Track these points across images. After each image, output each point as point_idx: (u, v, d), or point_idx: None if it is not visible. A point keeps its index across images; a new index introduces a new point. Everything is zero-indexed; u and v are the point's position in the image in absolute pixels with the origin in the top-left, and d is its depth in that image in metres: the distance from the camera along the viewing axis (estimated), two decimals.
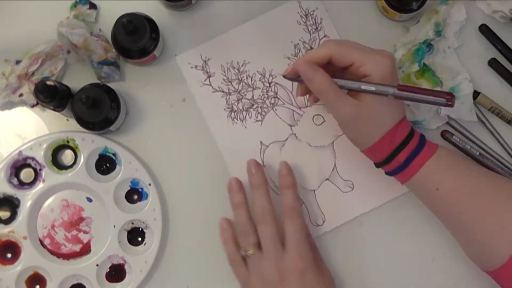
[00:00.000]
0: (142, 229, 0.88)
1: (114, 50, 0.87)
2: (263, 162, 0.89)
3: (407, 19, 0.90)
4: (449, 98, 0.72)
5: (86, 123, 0.84)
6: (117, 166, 0.88)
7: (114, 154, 0.88)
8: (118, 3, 0.89)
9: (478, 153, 0.88)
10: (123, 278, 0.86)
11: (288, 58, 0.90)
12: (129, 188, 0.88)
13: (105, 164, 0.88)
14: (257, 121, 0.89)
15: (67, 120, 0.89)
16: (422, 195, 0.82)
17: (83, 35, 0.85)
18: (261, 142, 0.89)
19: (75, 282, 0.86)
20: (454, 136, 0.88)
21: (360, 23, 0.91)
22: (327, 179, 0.89)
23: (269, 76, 0.90)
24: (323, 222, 0.88)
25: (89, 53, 0.87)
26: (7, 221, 0.86)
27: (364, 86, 0.75)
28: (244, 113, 0.89)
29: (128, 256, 0.86)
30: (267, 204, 0.83)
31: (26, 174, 0.87)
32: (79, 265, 0.86)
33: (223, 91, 0.90)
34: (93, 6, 0.90)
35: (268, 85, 0.90)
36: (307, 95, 0.86)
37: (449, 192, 0.78)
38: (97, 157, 0.88)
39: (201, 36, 0.90)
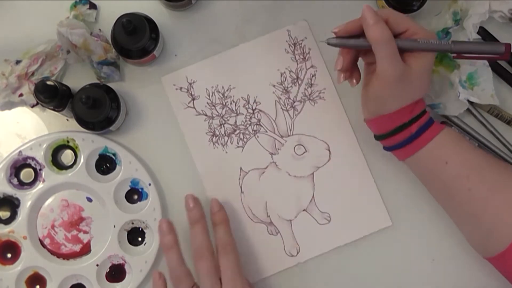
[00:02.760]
0: (142, 229, 0.86)
1: (114, 50, 0.86)
2: (241, 188, 0.87)
3: None
4: (507, 48, 0.68)
5: (86, 123, 0.82)
6: (117, 166, 0.87)
7: (114, 154, 0.87)
8: (118, 3, 0.88)
9: (476, 145, 0.87)
10: (123, 278, 0.85)
11: (274, 86, 0.88)
12: (129, 188, 0.87)
13: (105, 164, 0.87)
14: (238, 147, 0.88)
15: (67, 120, 0.88)
16: (429, 170, 0.81)
17: (83, 35, 0.84)
18: (240, 169, 0.88)
19: (75, 282, 0.85)
20: (453, 127, 0.87)
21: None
22: (304, 210, 0.88)
23: (253, 102, 0.88)
24: (297, 253, 0.86)
25: (89, 53, 0.85)
26: (7, 221, 0.85)
27: (422, 42, 0.74)
28: (226, 138, 0.88)
29: (128, 256, 0.85)
30: (204, 240, 0.81)
31: (26, 174, 0.86)
32: (79, 265, 0.85)
33: (206, 115, 0.88)
34: (93, 6, 0.89)
35: (251, 111, 0.88)
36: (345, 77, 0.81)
37: (459, 166, 0.78)
38: (97, 157, 0.87)
39: (201, 36, 0.89)
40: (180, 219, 0.86)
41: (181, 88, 0.88)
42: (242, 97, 0.89)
